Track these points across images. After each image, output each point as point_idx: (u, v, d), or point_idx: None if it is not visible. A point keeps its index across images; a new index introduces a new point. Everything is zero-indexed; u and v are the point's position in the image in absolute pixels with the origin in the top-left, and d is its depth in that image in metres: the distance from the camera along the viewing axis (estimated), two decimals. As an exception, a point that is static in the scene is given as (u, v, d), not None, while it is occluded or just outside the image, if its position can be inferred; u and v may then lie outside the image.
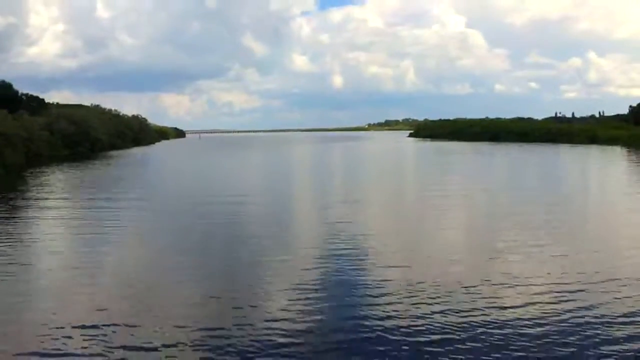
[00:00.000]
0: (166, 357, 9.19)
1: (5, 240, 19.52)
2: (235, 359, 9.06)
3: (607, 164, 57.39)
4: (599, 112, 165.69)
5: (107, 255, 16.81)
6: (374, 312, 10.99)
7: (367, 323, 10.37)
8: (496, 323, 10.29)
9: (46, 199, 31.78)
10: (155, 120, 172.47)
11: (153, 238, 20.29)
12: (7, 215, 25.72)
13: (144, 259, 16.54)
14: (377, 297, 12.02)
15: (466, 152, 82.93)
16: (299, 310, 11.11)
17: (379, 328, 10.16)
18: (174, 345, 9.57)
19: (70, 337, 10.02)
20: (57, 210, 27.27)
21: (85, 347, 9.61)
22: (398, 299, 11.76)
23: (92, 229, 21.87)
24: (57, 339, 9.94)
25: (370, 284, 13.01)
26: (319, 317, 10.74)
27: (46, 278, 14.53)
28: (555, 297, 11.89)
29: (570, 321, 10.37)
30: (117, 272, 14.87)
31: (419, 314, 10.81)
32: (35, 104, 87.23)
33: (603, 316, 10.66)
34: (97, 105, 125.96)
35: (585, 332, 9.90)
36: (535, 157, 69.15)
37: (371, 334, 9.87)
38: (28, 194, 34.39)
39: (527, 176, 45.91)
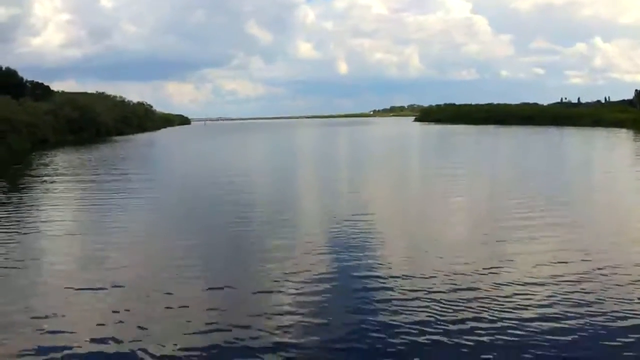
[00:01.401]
0: (165, 344, 8.95)
1: (10, 220, 19.59)
2: (240, 347, 8.85)
3: (613, 145, 57.21)
4: (605, 98, 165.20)
5: (110, 238, 16.51)
6: (379, 302, 10.65)
7: (372, 313, 10.05)
8: (505, 315, 9.83)
9: (50, 179, 32.08)
10: (160, 108, 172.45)
11: (157, 220, 20.14)
12: (12, 196, 25.88)
13: (148, 244, 16.29)
14: (381, 284, 11.66)
15: (474, 134, 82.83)
16: (302, 299, 10.79)
17: (384, 317, 9.88)
18: (177, 333, 9.34)
19: (72, 322, 9.87)
20: (60, 191, 27.46)
21: (86, 330, 9.45)
22: (402, 289, 11.33)
23: (97, 209, 21.95)
24: (59, 324, 9.75)
25: (377, 272, 12.57)
26: (323, 306, 10.44)
27: (49, 262, 14.28)
28: (561, 284, 11.44)
29: (579, 312, 9.89)
30: (120, 256, 14.53)
31: (421, 304, 10.43)
32: (40, 91, 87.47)
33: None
34: (102, 93, 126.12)
35: (592, 324, 9.42)
36: (544, 138, 69.04)
37: (376, 325, 9.56)
38: (32, 176, 34.54)
39: (535, 156, 45.83)
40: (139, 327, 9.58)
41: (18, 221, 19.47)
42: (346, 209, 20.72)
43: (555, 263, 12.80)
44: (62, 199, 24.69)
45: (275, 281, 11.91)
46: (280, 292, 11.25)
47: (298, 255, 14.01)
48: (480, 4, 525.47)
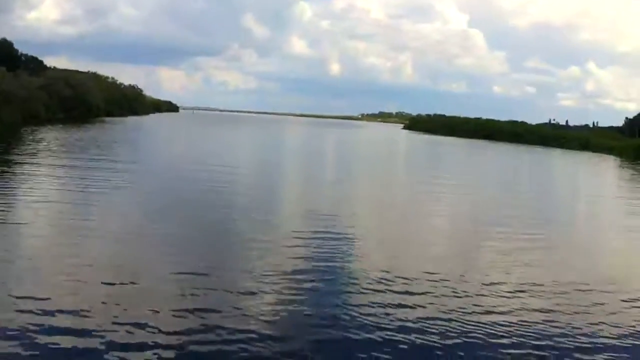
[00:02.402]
0: (133, 328, 8.80)
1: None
2: (217, 339, 8.70)
3: (602, 171, 57.90)
4: (593, 123, 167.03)
5: (91, 220, 16.43)
6: (358, 299, 10.72)
7: (352, 311, 10.05)
8: (487, 317, 10.08)
9: (38, 155, 31.79)
10: (150, 93, 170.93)
11: (138, 207, 19.83)
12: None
13: (129, 227, 16.02)
14: (361, 282, 11.77)
15: (462, 146, 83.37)
16: (282, 293, 10.75)
17: (364, 314, 9.95)
18: (155, 323, 9.06)
19: (49, 306, 9.57)
20: (47, 167, 27.29)
21: (65, 317, 9.18)
22: (384, 286, 11.45)
23: (80, 188, 21.88)
24: (38, 307, 9.45)
25: (357, 271, 12.67)
26: (303, 301, 10.40)
27: (30, 239, 14.16)
28: (541, 293, 11.86)
29: (559, 316, 10.23)
30: (100, 239, 14.42)
31: (403, 302, 10.56)
32: (34, 65, 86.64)
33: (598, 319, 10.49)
34: (94, 73, 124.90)
35: (574, 332, 9.72)
36: (535, 158, 69.68)
37: (356, 322, 9.60)
38: (22, 150, 34.26)
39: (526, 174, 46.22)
40: (104, 307, 9.53)
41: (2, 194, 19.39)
42: (328, 207, 21.28)
43: (528, 282, 12.77)
44: (49, 178, 24.26)
45: (253, 273, 11.86)
46: (258, 284, 11.14)
47: (275, 252, 13.96)
48: (477, 18, 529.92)
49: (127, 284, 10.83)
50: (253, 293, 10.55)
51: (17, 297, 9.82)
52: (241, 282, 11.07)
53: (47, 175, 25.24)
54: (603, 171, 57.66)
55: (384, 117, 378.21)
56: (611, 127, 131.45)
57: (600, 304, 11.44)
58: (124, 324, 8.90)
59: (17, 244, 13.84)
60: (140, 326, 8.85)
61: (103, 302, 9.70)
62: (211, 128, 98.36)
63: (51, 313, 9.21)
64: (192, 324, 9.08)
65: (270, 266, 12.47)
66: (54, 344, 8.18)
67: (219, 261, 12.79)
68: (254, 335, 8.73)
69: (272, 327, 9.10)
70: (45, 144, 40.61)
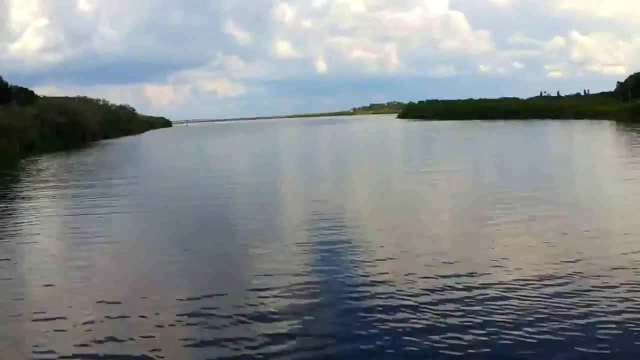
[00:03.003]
0: (154, 351, 8.69)
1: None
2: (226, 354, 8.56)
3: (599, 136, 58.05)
4: (584, 91, 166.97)
5: (94, 246, 15.98)
6: (364, 300, 10.51)
7: (359, 315, 9.77)
8: (489, 312, 9.62)
9: (41, 184, 31.68)
10: (140, 111, 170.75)
11: (144, 225, 19.64)
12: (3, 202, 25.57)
13: (135, 248, 15.91)
14: (366, 280, 11.57)
15: (461, 128, 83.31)
16: (288, 302, 10.52)
17: (368, 314, 9.73)
18: (165, 340, 9.01)
19: (58, 331, 9.52)
20: (51, 194, 27.31)
21: (73, 343, 9.06)
22: (387, 288, 11.06)
23: (85, 211, 21.81)
24: (45, 335, 9.36)
25: (361, 266, 12.56)
26: (309, 312, 10.07)
27: (36, 265, 14.06)
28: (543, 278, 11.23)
29: (565, 309, 9.61)
30: (103, 262, 14.29)
31: (409, 304, 10.13)
32: (24, 96, 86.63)
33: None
34: (84, 97, 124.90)
35: (577, 320, 9.16)
36: (532, 131, 69.80)
37: (363, 324, 9.38)
38: (23, 181, 34.33)
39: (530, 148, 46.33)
40: (116, 336, 9.26)
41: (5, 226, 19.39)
42: (329, 209, 20.28)
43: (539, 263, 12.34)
44: (53, 205, 24.23)
45: (259, 288, 11.39)
46: (264, 298, 10.79)
47: (280, 260, 13.48)
48: (457, 0, 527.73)
49: (135, 302, 10.78)
50: (267, 316, 10.01)
51: (32, 320, 10.00)
52: (252, 304, 10.50)
53: (58, 199, 25.49)
54: (607, 137, 57.66)
55: (375, 108, 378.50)
56: (603, 93, 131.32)
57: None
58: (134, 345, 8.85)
59: (30, 267, 13.97)
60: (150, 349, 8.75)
61: (114, 329, 9.54)
62: (204, 139, 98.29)
63: (61, 336, 9.29)
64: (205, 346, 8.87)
65: (278, 271, 12.35)
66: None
67: (227, 279, 12.42)
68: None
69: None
70: (52, 171, 40.77)
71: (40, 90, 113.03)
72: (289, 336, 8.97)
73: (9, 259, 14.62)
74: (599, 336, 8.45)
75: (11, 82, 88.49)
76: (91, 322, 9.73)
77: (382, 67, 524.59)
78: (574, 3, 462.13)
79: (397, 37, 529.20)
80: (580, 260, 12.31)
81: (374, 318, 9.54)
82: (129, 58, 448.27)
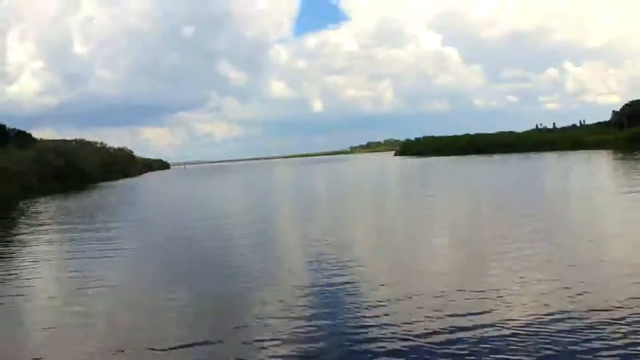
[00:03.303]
0: None
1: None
2: None
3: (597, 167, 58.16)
4: (580, 121, 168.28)
5: (96, 287, 15.84)
6: (365, 329, 10.72)
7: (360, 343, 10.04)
8: (490, 338, 9.83)
9: (39, 227, 31.27)
10: (138, 153, 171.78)
11: (144, 267, 19.44)
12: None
13: (134, 291, 15.64)
14: (366, 311, 11.78)
15: (460, 163, 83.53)
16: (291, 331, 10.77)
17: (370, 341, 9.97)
18: None
19: None
20: (49, 237, 26.99)
21: None
22: (388, 318, 11.26)
23: (84, 254, 21.55)
24: None
25: (361, 298, 12.77)
26: (309, 343, 10.25)
27: (33, 310, 14.06)
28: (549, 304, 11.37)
29: (564, 335, 9.76)
30: (106, 305, 14.11)
31: (413, 334, 10.28)
32: (22, 139, 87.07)
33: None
34: (82, 140, 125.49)
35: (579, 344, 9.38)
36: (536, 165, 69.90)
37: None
38: (21, 224, 33.92)
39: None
40: None
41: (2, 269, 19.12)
42: (327, 249, 19.65)
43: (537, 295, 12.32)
44: (50, 248, 23.77)
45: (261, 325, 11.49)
46: (264, 342, 10.61)
47: (281, 296, 13.50)
48: (449, 36, 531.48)
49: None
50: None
51: None
52: (252, 349, 10.35)
53: (56, 243, 25.28)
54: (605, 167, 57.79)
55: (372, 147, 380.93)
56: (599, 123, 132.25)
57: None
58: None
59: (26, 311, 13.88)
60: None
61: None
62: (202, 180, 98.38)
63: None
64: None
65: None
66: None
67: (225, 323, 12.01)
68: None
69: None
70: (50, 213, 40.52)
71: (38, 133, 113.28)
72: None
73: (3, 303, 14.39)
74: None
75: (9, 124, 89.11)
76: None
77: (377, 105, 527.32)
78: (565, 34, 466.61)
79: (391, 74, 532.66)
80: (586, 293, 12.14)
81: (371, 351, 9.54)
82: (125, 100, 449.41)
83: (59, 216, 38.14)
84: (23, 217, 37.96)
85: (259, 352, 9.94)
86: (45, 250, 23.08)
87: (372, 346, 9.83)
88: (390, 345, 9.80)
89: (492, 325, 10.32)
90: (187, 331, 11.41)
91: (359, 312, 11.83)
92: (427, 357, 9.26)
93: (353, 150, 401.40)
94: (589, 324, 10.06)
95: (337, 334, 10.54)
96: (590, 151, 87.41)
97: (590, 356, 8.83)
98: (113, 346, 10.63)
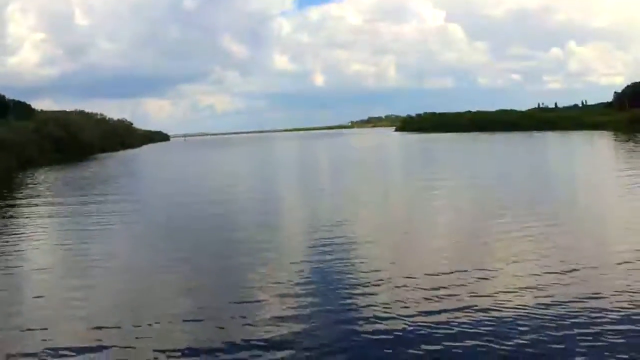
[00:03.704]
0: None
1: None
2: None
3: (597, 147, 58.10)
4: (582, 102, 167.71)
5: (95, 259, 15.97)
6: (365, 307, 10.74)
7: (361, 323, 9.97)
8: (489, 316, 9.91)
9: (38, 199, 31.37)
10: (138, 125, 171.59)
11: (143, 240, 19.54)
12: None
13: (132, 264, 15.67)
14: (365, 288, 11.85)
15: (461, 140, 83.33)
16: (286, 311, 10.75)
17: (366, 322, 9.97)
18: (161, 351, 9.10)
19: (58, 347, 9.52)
20: (48, 209, 27.08)
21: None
22: (386, 295, 11.37)
23: (83, 226, 21.66)
24: (42, 350, 9.36)
25: (360, 276, 12.78)
26: (310, 321, 10.19)
27: (30, 282, 14.15)
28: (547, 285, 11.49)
29: (564, 313, 9.85)
30: (104, 277, 14.30)
31: (411, 313, 10.35)
32: (22, 110, 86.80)
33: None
34: (82, 111, 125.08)
35: (579, 323, 9.43)
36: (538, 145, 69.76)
37: (363, 332, 9.56)
38: (20, 195, 33.91)
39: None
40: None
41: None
42: (328, 218, 20.71)
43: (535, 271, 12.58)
44: (49, 220, 24.01)
45: (259, 295, 11.79)
46: (264, 306, 11.11)
47: (280, 271, 13.72)
48: (453, 13, 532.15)
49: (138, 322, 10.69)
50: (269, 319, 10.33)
51: (28, 336, 10.03)
52: (250, 324, 10.39)
53: (55, 214, 25.35)
54: (606, 148, 57.72)
55: (373, 122, 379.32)
56: (600, 104, 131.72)
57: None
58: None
59: (26, 283, 13.99)
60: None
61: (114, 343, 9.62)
62: (202, 153, 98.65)
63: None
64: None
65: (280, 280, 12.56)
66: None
67: (225, 296, 12.16)
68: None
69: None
70: (49, 185, 40.63)
71: (38, 104, 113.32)
72: (291, 346, 9.04)
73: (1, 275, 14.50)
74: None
75: (9, 95, 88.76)
76: (85, 342, 9.62)
77: (380, 80, 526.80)
78: (570, 14, 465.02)
79: (394, 50, 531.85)
80: (582, 272, 12.29)
81: (369, 331, 9.56)
82: (126, 72, 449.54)
83: (57, 188, 38.34)
84: (22, 188, 37.97)
85: (255, 329, 9.98)
86: (44, 222, 23.18)
87: (367, 325, 9.83)
88: (386, 324, 9.84)
89: (488, 309, 10.29)
90: (185, 305, 11.45)
91: (354, 289, 11.85)
92: (421, 335, 9.33)
93: (354, 124, 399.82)
94: (585, 308, 10.01)
95: (331, 313, 10.54)
96: (591, 131, 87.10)
97: (584, 340, 8.81)
98: (110, 320, 10.64)
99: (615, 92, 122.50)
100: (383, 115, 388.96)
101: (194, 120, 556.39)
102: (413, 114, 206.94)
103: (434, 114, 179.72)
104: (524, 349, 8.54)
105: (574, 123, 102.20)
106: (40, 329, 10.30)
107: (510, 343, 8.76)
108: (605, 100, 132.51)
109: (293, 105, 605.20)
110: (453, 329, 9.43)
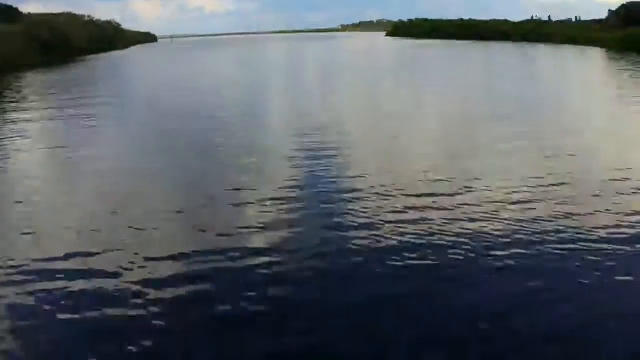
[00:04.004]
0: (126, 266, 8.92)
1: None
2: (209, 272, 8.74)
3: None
4: (576, 17, 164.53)
5: (80, 159, 16.53)
6: (348, 215, 10.94)
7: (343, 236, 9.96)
8: (474, 233, 9.88)
9: (24, 102, 31.41)
10: (126, 26, 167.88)
11: (130, 142, 20.18)
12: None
13: (119, 167, 15.85)
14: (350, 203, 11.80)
15: (454, 47, 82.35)
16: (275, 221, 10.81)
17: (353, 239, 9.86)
18: (145, 266, 9.02)
19: (41, 254, 9.52)
20: (34, 112, 27.04)
21: (55, 264, 9.16)
22: (372, 202, 11.62)
23: (68, 128, 22.27)
24: (28, 257, 9.40)
25: (346, 189, 12.78)
26: (295, 226, 10.43)
27: (18, 185, 14.34)
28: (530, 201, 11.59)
29: (548, 230, 9.88)
30: (91, 179, 14.55)
31: (395, 219, 10.59)
32: (10, 13, 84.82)
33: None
34: (70, 13, 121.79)
35: (562, 239, 9.47)
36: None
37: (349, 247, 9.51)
38: (6, 98, 33.84)
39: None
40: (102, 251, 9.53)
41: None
42: (317, 122, 21.63)
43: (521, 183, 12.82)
44: (35, 123, 23.91)
45: (244, 204, 11.87)
46: (248, 212, 11.32)
47: (267, 172, 14.45)
48: None
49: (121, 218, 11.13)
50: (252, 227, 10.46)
51: (13, 242, 10.16)
52: (237, 219, 10.88)
53: (41, 118, 25.36)
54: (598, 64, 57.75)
55: (364, 26, 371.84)
56: (593, 21, 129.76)
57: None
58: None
59: (10, 188, 14.09)
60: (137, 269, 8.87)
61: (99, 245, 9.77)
62: (190, 54, 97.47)
63: (48, 257, 9.38)
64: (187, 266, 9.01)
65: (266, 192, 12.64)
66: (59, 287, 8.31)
67: (211, 196, 12.50)
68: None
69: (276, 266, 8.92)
70: (35, 88, 40.59)
71: (25, 7, 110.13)
72: (275, 250, 9.31)
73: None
74: (578, 264, 8.60)
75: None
76: (72, 248, 9.68)
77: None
78: None
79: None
80: (565, 182, 12.72)
81: (355, 236, 9.83)
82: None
83: (43, 90, 38.23)
84: (7, 92, 37.83)
85: (240, 234, 10.16)
86: (28, 126, 23.07)
87: (353, 232, 10.05)
88: (369, 231, 10.03)
89: (473, 219, 10.53)
90: (171, 208, 11.66)
91: (340, 195, 12.17)
92: (404, 242, 9.52)
93: (345, 28, 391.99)
94: (572, 227, 10.04)
95: (317, 218, 10.82)
96: (583, 47, 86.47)
97: (569, 256, 8.91)
98: (96, 223, 10.80)
99: (609, 10, 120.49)
100: (375, 20, 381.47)
101: (183, 21, 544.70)
102: (405, 19, 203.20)
103: (426, 20, 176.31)
104: (506, 261, 8.67)
105: (567, 37, 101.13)
106: (25, 234, 10.45)
107: (493, 254, 8.92)
108: (599, 17, 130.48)
109: (283, 8, 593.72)
110: (436, 239, 9.60)
